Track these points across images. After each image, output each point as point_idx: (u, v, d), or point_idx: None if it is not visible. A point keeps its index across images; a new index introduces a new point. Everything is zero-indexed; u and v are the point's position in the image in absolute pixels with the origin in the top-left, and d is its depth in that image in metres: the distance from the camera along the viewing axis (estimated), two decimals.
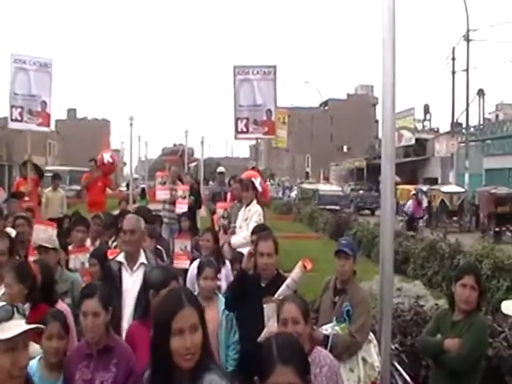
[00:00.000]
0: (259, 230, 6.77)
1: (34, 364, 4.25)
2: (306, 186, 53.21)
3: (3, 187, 21.34)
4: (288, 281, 5.17)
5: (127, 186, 22.96)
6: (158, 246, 8.22)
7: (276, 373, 2.60)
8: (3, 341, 2.65)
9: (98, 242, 8.67)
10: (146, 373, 3.03)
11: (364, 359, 5.20)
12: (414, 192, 28.76)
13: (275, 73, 12.37)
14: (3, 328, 2.68)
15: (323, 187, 44.60)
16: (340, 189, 44.37)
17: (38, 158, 49.36)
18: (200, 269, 6.03)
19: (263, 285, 5.56)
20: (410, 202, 26.72)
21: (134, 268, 5.63)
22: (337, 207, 35.79)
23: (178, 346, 2.81)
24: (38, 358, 4.32)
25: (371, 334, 5.36)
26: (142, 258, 5.74)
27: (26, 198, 12.56)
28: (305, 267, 5.13)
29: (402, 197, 34.40)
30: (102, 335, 4.08)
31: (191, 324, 2.84)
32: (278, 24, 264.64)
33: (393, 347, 5.82)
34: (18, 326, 2.71)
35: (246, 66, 12.45)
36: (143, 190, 24.85)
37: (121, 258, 5.72)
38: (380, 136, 5.55)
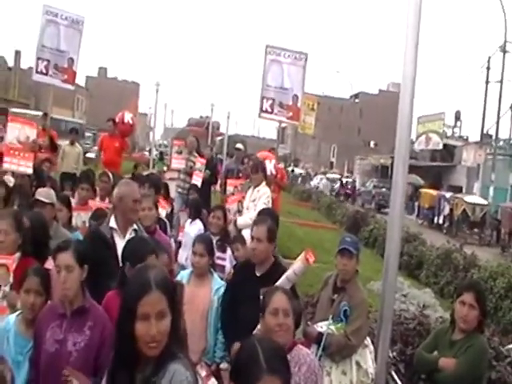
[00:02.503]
0: (261, 214, 6.48)
1: (11, 318, 4.18)
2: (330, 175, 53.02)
3: None
4: (289, 272, 4.91)
5: (149, 151, 22.97)
6: (163, 218, 7.96)
7: (263, 382, 2.42)
8: None
9: (107, 201, 8.44)
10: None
11: (358, 363, 4.98)
12: None
13: (306, 60, 12.27)
14: None
15: None
16: None
17: (65, 111, 49.77)
18: (192, 244, 5.82)
19: (258, 274, 5.31)
20: None
21: (127, 235, 5.33)
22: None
23: (142, 333, 2.60)
24: (17, 312, 4.21)
25: (368, 339, 5.12)
26: (134, 225, 5.44)
27: (43, 150, 12.44)
28: (307, 260, 4.84)
29: (425, 201, 33.99)
30: (77, 295, 3.89)
31: (158, 310, 2.62)
32: (315, 11, 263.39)
33: (391, 355, 5.57)
34: None
35: (278, 48, 12.35)
36: (161, 153, 25.00)
37: (112, 223, 5.34)
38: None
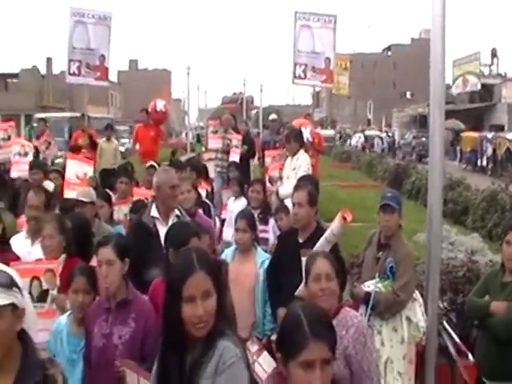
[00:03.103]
0: (300, 181, 6.50)
1: (63, 319, 4.26)
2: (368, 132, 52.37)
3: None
4: (327, 233, 4.90)
5: (186, 135, 23.15)
6: (206, 200, 8.03)
7: (309, 349, 2.37)
8: None
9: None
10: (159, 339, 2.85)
11: (408, 319, 4.92)
12: None
13: (335, 22, 12.33)
14: None
15: None
16: None
17: (99, 109, 50.24)
18: (234, 221, 5.84)
19: (301, 240, 5.33)
20: None
21: (169, 222, 5.42)
22: None
23: (189, 314, 2.61)
24: (67, 313, 4.29)
25: (417, 292, 5.07)
26: (176, 211, 5.52)
27: (84, 151, 12.65)
28: (345, 219, 4.83)
29: (466, 144, 33.39)
30: (120, 287, 3.97)
31: (203, 290, 2.63)
32: None
33: (441, 305, 5.52)
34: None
35: (308, 13, 12.40)
36: (198, 135, 25.15)
37: (154, 212, 5.43)
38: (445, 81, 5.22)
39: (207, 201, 8.20)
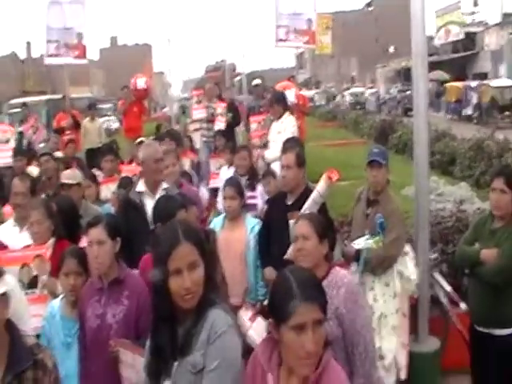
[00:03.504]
0: (287, 143, 6.48)
1: (56, 303, 4.24)
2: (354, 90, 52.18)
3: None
4: (313, 194, 4.92)
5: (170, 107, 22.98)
6: (187, 171, 8.01)
7: (299, 311, 2.38)
8: None
9: None
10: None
11: (400, 273, 4.97)
12: None
13: None
14: None
15: None
16: None
17: (82, 89, 49.77)
18: (222, 189, 5.83)
19: (289, 202, 5.33)
20: None
21: (157, 195, 5.42)
22: None
23: (176, 287, 2.59)
24: (60, 297, 4.27)
25: (407, 246, 5.09)
26: (164, 184, 5.55)
27: (68, 132, 12.59)
28: (330, 179, 4.84)
29: (451, 95, 33.33)
30: (112, 267, 3.93)
31: (189, 262, 2.60)
32: None
33: (432, 257, 5.55)
34: None
35: None
36: (182, 107, 25.10)
37: (141, 187, 5.48)
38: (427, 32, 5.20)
39: (189, 171, 8.16)
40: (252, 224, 5.71)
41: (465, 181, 10.87)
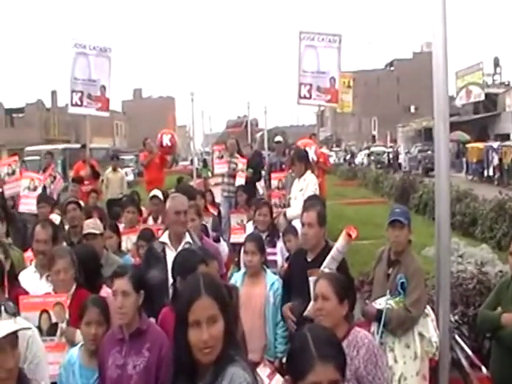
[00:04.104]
0: (309, 201, 6.50)
1: (74, 351, 4.23)
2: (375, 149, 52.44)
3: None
4: (333, 251, 4.92)
5: (191, 161, 23.24)
6: (203, 222, 8.04)
7: (315, 371, 2.35)
8: None
9: (159, 221, 8.60)
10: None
11: (421, 334, 4.88)
12: None
13: (340, 41, 12.23)
14: None
15: None
16: None
17: (105, 140, 50.56)
18: (243, 244, 5.86)
19: (309, 259, 5.33)
20: None
21: (179, 248, 5.46)
22: None
23: (194, 339, 2.60)
24: (79, 345, 4.27)
25: (428, 307, 5.04)
26: (187, 238, 5.61)
27: (86, 182, 12.72)
28: (350, 236, 4.84)
29: (472, 155, 33.33)
30: (134, 318, 3.96)
31: (209, 316, 2.62)
32: None
33: (453, 319, 5.48)
34: (5, 326, 2.60)
35: (312, 33, 12.30)
36: (204, 160, 25.23)
37: (165, 238, 5.58)
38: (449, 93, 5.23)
39: (203, 222, 8.18)
40: (272, 280, 5.70)
41: (486, 242, 10.79)
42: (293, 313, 5.18)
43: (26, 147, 26.52)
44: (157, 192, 8.90)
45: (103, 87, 12.82)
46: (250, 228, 8.54)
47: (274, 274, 6.09)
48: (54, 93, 52.84)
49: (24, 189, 10.78)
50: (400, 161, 47.46)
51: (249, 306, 5.32)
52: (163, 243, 5.54)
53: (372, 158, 49.31)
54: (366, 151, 52.44)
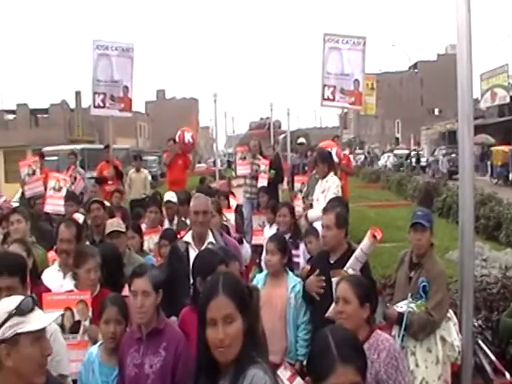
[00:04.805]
0: (330, 203, 6.49)
1: (94, 349, 4.27)
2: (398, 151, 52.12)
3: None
4: (357, 252, 4.93)
5: (214, 162, 23.30)
6: (224, 222, 8.06)
7: (336, 373, 2.35)
8: (34, 332, 2.63)
9: (175, 221, 8.65)
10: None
11: (443, 338, 4.85)
12: None
13: (365, 44, 12.19)
14: (30, 320, 2.65)
15: None
16: None
17: (128, 140, 50.80)
18: (266, 244, 5.86)
19: (332, 261, 5.32)
20: None
21: (202, 248, 5.49)
22: None
23: (211, 338, 2.62)
24: (98, 343, 4.31)
25: (450, 311, 5.00)
26: (210, 237, 5.67)
27: (110, 182, 12.80)
28: (374, 237, 4.83)
29: (497, 159, 33.01)
30: (152, 317, 3.99)
31: (224, 314, 2.63)
32: None
33: (476, 324, 5.43)
34: (41, 316, 2.72)
35: (336, 35, 12.30)
36: (229, 161, 25.29)
37: (188, 238, 5.66)
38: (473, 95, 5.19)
39: (224, 222, 8.21)
40: (294, 282, 5.68)
41: (511, 247, 10.64)
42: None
43: (44, 147, 26.74)
44: (169, 196, 8.96)
45: (126, 88, 12.84)
46: (267, 231, 8.56)
47: (296, 276, 6.06)
48: (78, 93, 53.15)
49: (50, 189, 10.84)
50: (422, 163, 47.17)
51: (269, 307, 5.30)
52: (186, 243, 5.61)
53: (395, 160, 49.00)
54: (389, 153, 52.07)
